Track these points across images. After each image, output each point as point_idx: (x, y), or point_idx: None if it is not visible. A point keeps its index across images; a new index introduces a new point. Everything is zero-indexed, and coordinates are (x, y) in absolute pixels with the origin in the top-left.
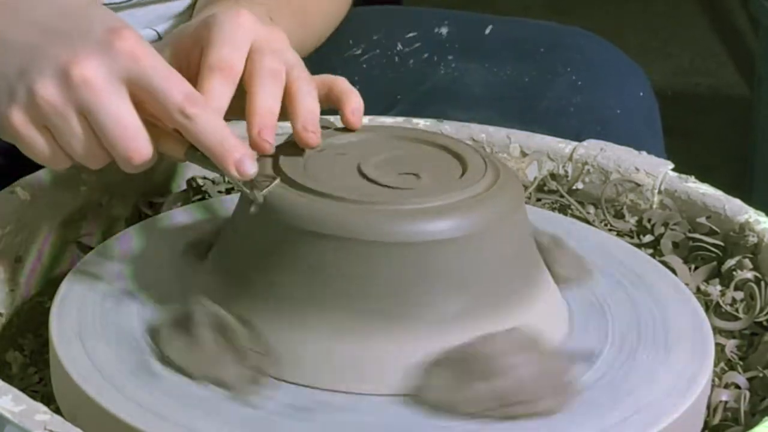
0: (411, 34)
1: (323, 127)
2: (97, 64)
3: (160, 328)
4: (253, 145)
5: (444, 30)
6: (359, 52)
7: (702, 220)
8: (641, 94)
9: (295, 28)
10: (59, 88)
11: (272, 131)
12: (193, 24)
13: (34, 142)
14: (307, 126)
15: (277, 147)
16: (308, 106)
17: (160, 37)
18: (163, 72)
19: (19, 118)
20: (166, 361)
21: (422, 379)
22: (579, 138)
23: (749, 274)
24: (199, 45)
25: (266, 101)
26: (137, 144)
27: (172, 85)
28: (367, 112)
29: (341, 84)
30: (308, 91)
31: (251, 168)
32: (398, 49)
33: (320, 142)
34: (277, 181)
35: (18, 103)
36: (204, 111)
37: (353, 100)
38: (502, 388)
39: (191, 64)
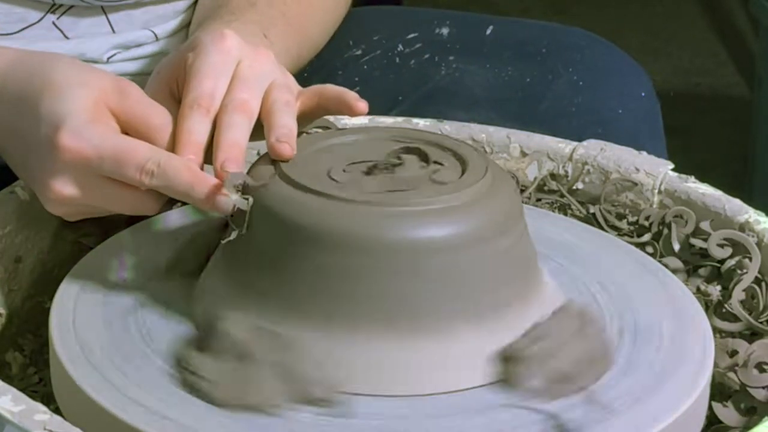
0: (412, 35)
1: (323, 128)
2: (63, 182)
3: (186, 352)
4: (218, 176)
5: (445, 31)
6: (360, 52)
7: (705, 225)
8: (643, 94)
9: (292, 42)
10: (59, 201)
11: (236, 163)
12: (180, 50)
13: (92, 214)
14: (281, 138)
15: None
16: (282, 121)
17: (157, 39)
18: (109, 154)
19: (61, 212)
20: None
21: (505, 371)
22: (580, 139)
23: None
24: (184, 69)
25: (231, 134)
26: (144, 209)
27: (123, 163)
28: (368, 113)
29: (331, 87)
30: (284, 109)
31: (225, 204)
32: (399, 49)
33: (294, 154)
34: (251, 200)
35: (49, 205)
36: (161, 168)
37: (350, 93)
38: (558, 368)
39: (179, 86)
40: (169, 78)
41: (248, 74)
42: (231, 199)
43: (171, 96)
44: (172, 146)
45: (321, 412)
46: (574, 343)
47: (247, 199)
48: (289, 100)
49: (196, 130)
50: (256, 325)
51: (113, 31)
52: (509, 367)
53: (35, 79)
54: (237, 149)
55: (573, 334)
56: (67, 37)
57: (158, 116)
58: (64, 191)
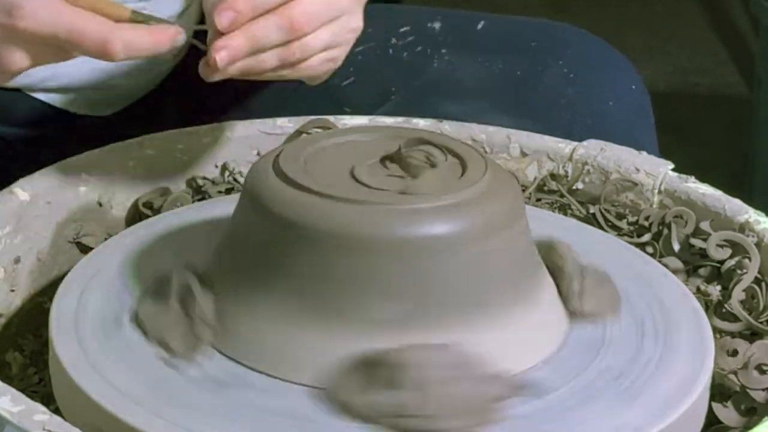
0: (404, 29)
1: (324, 128)
2: (22, 55)
3: (142, 293)
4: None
5: (437, 25)
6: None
7: (705, 225)
8: (633, 87)
9: None
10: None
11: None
12: None
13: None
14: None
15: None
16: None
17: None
18: (64, 32)
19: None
20: (136, 322)
21: (336, 377)
22: (571, 130)
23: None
24: None
25: None
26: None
27: (81, 39)
28: (361, 106)
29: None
30: None
31: (181, 39)
32: (392, 42)
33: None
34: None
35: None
36: (124, 42)
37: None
38: (404, 399)
39: None
40: None
41: None
42: (183, 34)
43: None
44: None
45: (210, 376)
46: (434, 383)
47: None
48: None
49: None
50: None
51: None
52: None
53: None
54: None
55: (437, 373)
56: None
57: None
58: (20, 63)
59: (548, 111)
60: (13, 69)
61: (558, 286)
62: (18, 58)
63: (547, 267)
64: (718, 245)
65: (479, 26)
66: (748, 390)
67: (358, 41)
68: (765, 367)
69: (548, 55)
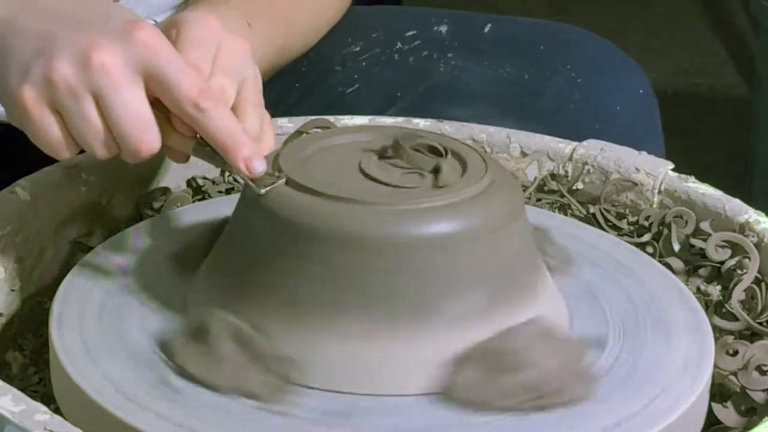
0: (410, 33)
1: (324, 128)
2: (116, 52)
3: (173, 341)
4: None
5: (443, 28)
6: (358, 49)
7: (705, 225)
8: (640, 91)
9: (277, 33)
10: (77, 69)
11: None
12: (161, 24)
13: (43, 123)
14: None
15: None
16: (248, 124)
17: None
18: (179, 65)
19: (31, 96)
20: (184, 375)
21: (451, 378)
22: (578, 135)
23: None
24: None
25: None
26: (148, 136)
27: (188, 78)
28: (367, 110)
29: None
30: (251, 111)
31: (260, 166)
32: (398, 47)
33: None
34: (282, 180)
35: (32, 82)
36: (216, 106)
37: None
38: (531, 379)
39: None
40: None
41: (226, 62)
42: (264, 167)
43: None
44: None
45: (325, 411)
46: (543, 360)
47: (280, 175)
48: (257, 102)
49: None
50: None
51: None
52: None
53: None
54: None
55: (541, 351)
56: None
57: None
58: (110, 59)
59: (555, 116)
60: (88, 57)
61: None
62: (104, 51)
63: None
64: (717, 246)
65: (486, 29)
66: (747, 391)
67: (364, 45)
68: (765, 368)
69: (556, 58)
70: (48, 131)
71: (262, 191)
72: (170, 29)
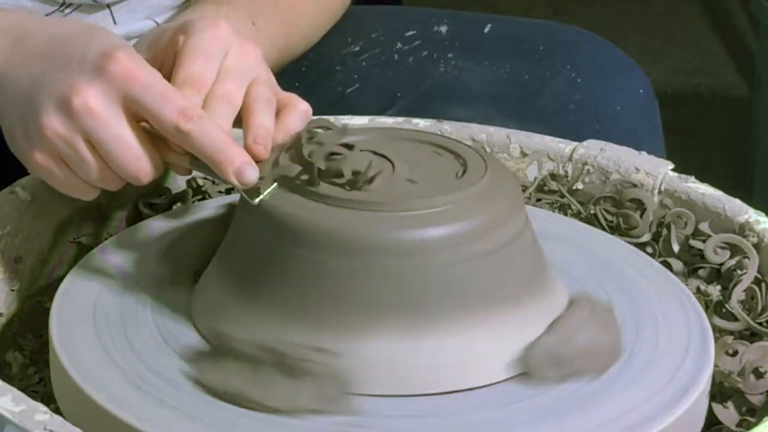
0: (410, 33)
1: (324, 128)
2: (95, 92)
3: (203, 364)
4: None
5: (443, 28)
6: (358, 49)
7: (704, 226)
8: (641, 91)
9: (280, 32)
10: (63, 119)
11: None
12: (170, 27)
13: (58, 175)
14: (257, 140)
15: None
16: (259, 120)
17: None
18: (156, 89)
19: (38, 156)
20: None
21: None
22: (578, 135)
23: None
24: (174, 50)
25: (216, 123)
26: (141, 164)
27: (166, 103)
28: (367, 110)
29: (289, 108)
30: (264, 108)
31: (251, 175)
32: (398, 47)
33: (267, 156)
34: (275, 185)
35: (34, 143)
36: (198, 123)
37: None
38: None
39: (165, 66)
40: (155, 56)
41: (234, 66)
42: (257, 174)
43: None
44: None
45: (402, 414)
46: (586, 332)
47: (274, 182)
48: (270, 99)
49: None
50: (261, 342)
51: (114, 23)
52: (528, 359)
53: (78, 26)
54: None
55: (585, 323)
56: None
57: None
58: (90, 100)
59: (555, 116)
60: (75, 103)
61: None
62: (91, 93)
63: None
64: (717, 247)
65: (486, 29)
66: (746, 395)
67: (363, 45)
68: (762, 369)
69: (556, 59)
70: (65, 181)
71: (256, 201)
72: (178, 35)
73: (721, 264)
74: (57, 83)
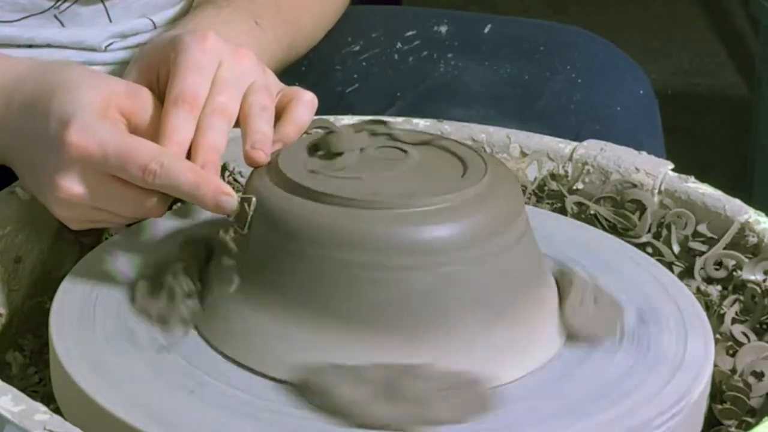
0: (410, 33)
1: (324, 128)
2: (70, 181)
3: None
4: None
5: (443, 29)
6: (358, 49)
7: (703, 228)
8: (641, 92)
9: (284, 32)
10: (66, 205)
11: (213, 167)
12: (161, 41)
13: (96, 222)
14: (255, 145)
15: (279, 151)
16: (256, 126)
17: (155, 27)
18: (111, 157)
19: (69, 219)
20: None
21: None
22: (579, 135)
23: (750, 276)
24: (166, 65)
25: (209, 137)
26: (148, 209)
27: (127, 164)
28: (366, 110)
29: (294, 101)
30: (260, 114)
31: (229, 203)
32: (398, 47)
33: (268, 160)
34: (254, 200)
35: (57, 206)
36: (164, 171)
37: (285, 127)
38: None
39: (160, 80)
40: (149, 70)
41: (228, 76)
42: (235, 200)
43: (149, 87)
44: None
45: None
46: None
47: (249, 199)
48: (266, 105)
49: (181, 127)
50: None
51: (110, 20)
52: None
53: (48, 80)
54: (214, 153)
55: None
56: (64, 26)
57: (169, 121)
58: (72, 189)
59: (556, 116)
60: (61, 193)
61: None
62: (67, 180)
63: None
64: (715, 264)
65: (486, 30)
66: (745, 398)
67: (363, 45)
68: (758, 371)
69: (556, 59)
70: (111, 220)
71: (245, 231)
72: (169, 51)
73: (725, 277)
74: (38, 169)
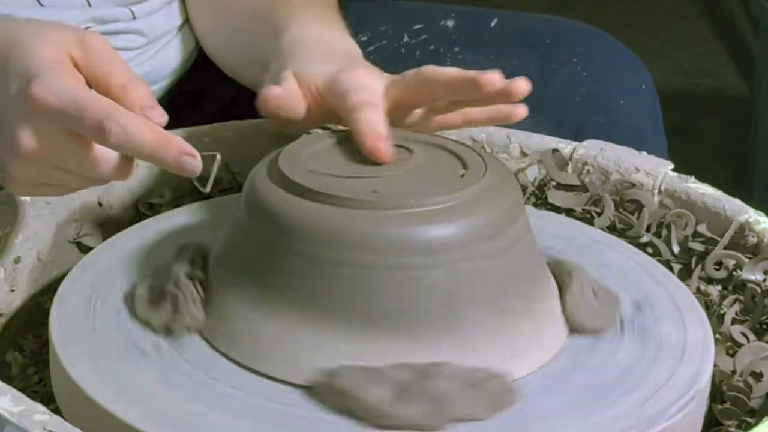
0: (417, 26)
1: (323, 128)
2: (29, 136)
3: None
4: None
5: (450, 23)
6: (366, 39)
7: (702, 228)
8: (644, 86)
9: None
10: (23, 163)
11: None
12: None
13: (50, 188)
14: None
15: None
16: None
17: (134, 17)
18: (70, 104)
19: (24, 180)
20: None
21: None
22: (584, 128)
23: (750, 276)
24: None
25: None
26: (112, 170)
27: (83, 115)
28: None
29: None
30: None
31: (191, 165)
32: (405, 40)
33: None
34: (218, 157)
35: (15, 164)
36: (121, 126)
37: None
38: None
39: (312, 93)
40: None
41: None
42: (198, 161)
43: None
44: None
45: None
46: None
47: (213, 156)
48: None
49: (378, 121)
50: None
51: (89, 4)
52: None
53: (6, 39)
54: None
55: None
56: (42, 5)
57: (120, 76)
58: (31, 144)
59: (561, 109)
60: (22, 148)
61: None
62: (27, 135)
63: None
64: (715, 265)
65: (492, 24)
66: (746, 398)
67: (371, 38)
68: (757, 371)
69: (561, 53)
70: (60, 191)
71: (207, 190)
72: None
73: (725, 277)
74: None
